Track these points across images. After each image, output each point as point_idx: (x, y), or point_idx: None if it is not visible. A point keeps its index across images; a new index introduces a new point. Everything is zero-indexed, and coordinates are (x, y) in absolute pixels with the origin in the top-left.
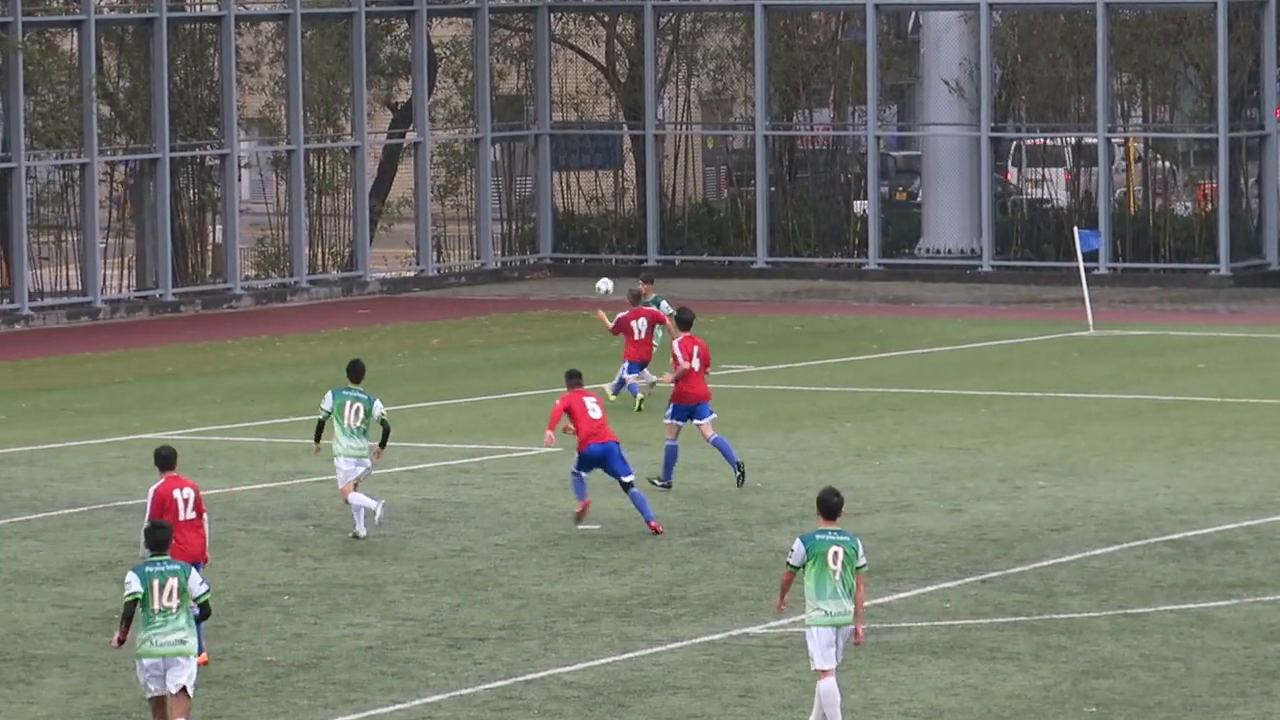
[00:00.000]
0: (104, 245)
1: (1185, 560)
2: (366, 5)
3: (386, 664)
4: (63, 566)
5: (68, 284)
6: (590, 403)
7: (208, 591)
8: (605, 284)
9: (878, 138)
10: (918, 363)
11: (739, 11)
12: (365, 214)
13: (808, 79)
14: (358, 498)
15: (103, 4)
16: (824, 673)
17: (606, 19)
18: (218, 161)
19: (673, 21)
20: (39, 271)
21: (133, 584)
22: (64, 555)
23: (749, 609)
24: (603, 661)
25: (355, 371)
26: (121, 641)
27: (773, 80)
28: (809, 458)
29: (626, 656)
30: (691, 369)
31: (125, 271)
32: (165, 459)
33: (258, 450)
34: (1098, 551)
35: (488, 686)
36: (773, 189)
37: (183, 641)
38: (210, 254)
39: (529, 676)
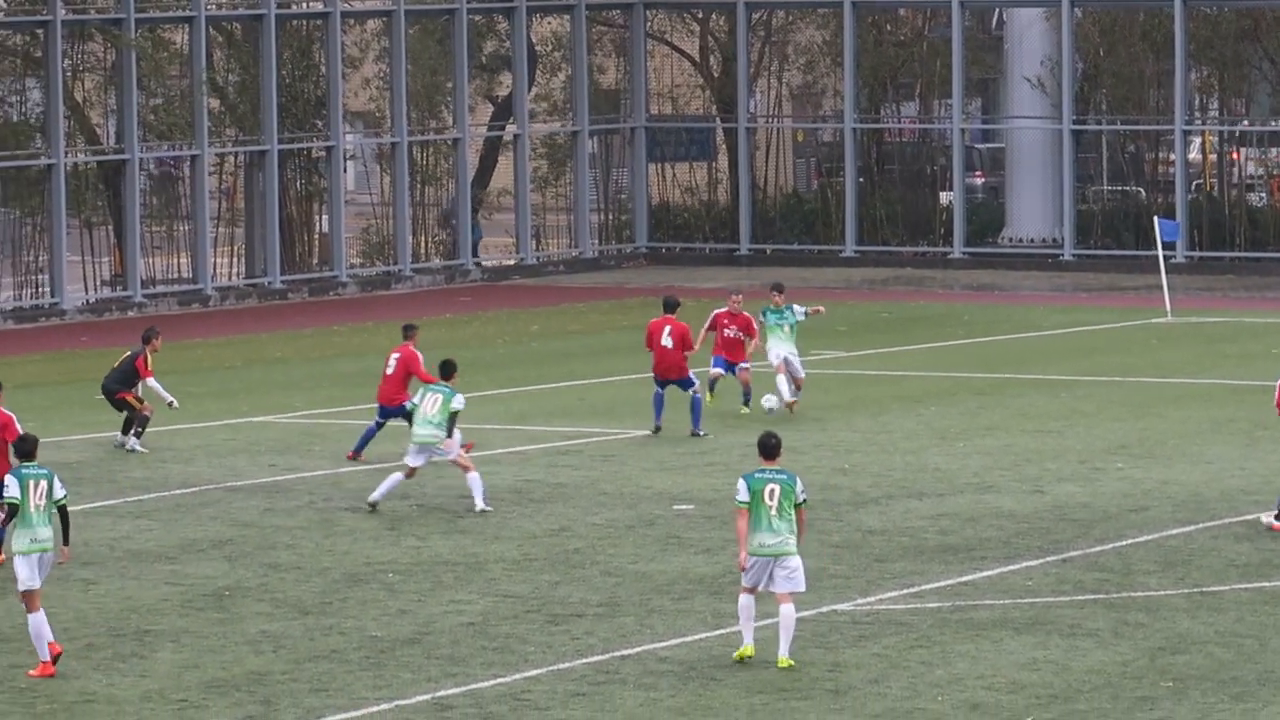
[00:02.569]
0: (214, 234)
1: (1259, 540)
2: (468, 2)
3: (487, 639)
4: (174, 545)
5: (179, 272)
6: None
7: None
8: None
9: (963, 130)
10: (1001, 348)
11: (829, 8)
12: (467, 204)
13: (895, 74)
14: (395, 479)
15: (212, 1)
16: (746, 589)
17: (701, 15)
18: (324, 153)
19: (764, 17)
20: (151, 259)
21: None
22: (175, 534)
23: (837, 586)
24: (696, 637)
25: (446, 369)
26: None
27: (861, 75)
28: (895, 440)
29: (719, 633)
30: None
31: (235, 260)
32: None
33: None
34: (1174, 531)
35: (585, 661)
36: (861, 180)
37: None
38: (317, 243)
39: (625, 652)
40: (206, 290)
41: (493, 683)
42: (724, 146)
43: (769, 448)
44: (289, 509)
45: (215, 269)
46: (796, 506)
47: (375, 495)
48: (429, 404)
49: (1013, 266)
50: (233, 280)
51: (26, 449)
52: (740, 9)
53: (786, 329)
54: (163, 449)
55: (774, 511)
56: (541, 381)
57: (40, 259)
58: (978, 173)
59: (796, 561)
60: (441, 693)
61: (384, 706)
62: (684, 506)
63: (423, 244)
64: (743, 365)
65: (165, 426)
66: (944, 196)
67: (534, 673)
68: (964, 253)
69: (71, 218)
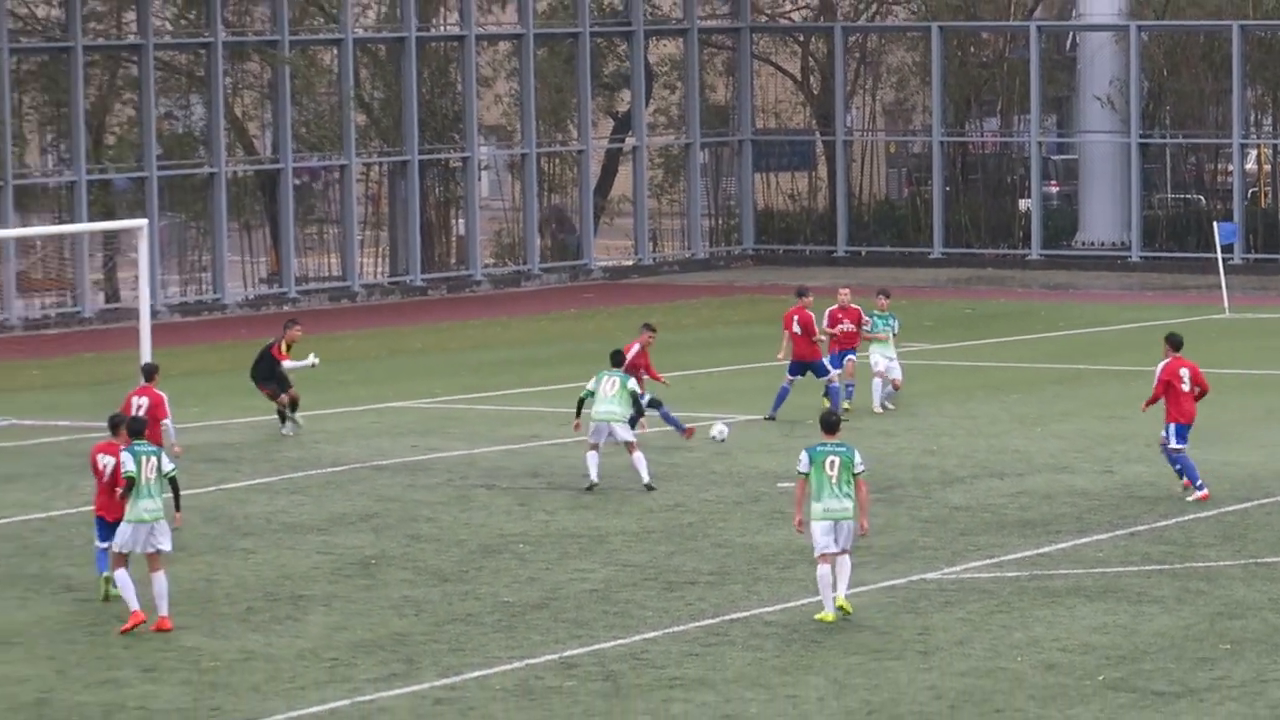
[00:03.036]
0: (361, 237)
1: None
2: (591, 26)
3: (609, 604)
4: (325, 518)
5: (329, 270)
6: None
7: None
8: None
9: (1039, 143)
10: (1074, 342)
11: (918, 31)
12: (590, 210)
13: (978, 91)
14: (593, 457)
15: (359, 24)
16: (822, 557)
17: (802, 38)
18: (460, 164)
19: (860, 40)
20: (304, 259)
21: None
22: (326, 508)
23: (926, 557)
24: (798, 603)
25: (616, 358)
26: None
27: (947, 92)
28: (979, 425)
29: (818, 598)
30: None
31: (379, 260)
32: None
33: (496, 417)
34: (1232, 508)
35: (697, 624)
36: (947, 188)
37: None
38: (454, 244)
39: (734, 616)
40: (354, 287)
41: (614, 643)
42: (823, 157)
43: (830, 424)
44: (429, 485)
45: (362, 268)
46: (855, 476)
47: (593, 476)
48: (607, 386)
49: (1084, 267)
50: (378, 278)
51: (137, 429)
52: (838, 32)
53: (889, 334)
54: (315, 431)
55: (834, 480)
56: (659, 371)
57: (203, 259)
58: (1053, 182)
59: (852, 524)
60: (567, 652)
61: (515, 665)
62: (787, 484)
63: (550, 245)
64: (849, 356)
65: (317, 411)
66: (1022, 203)
67: (651, 634)
68: (1040, 255)
69: (232, 221)
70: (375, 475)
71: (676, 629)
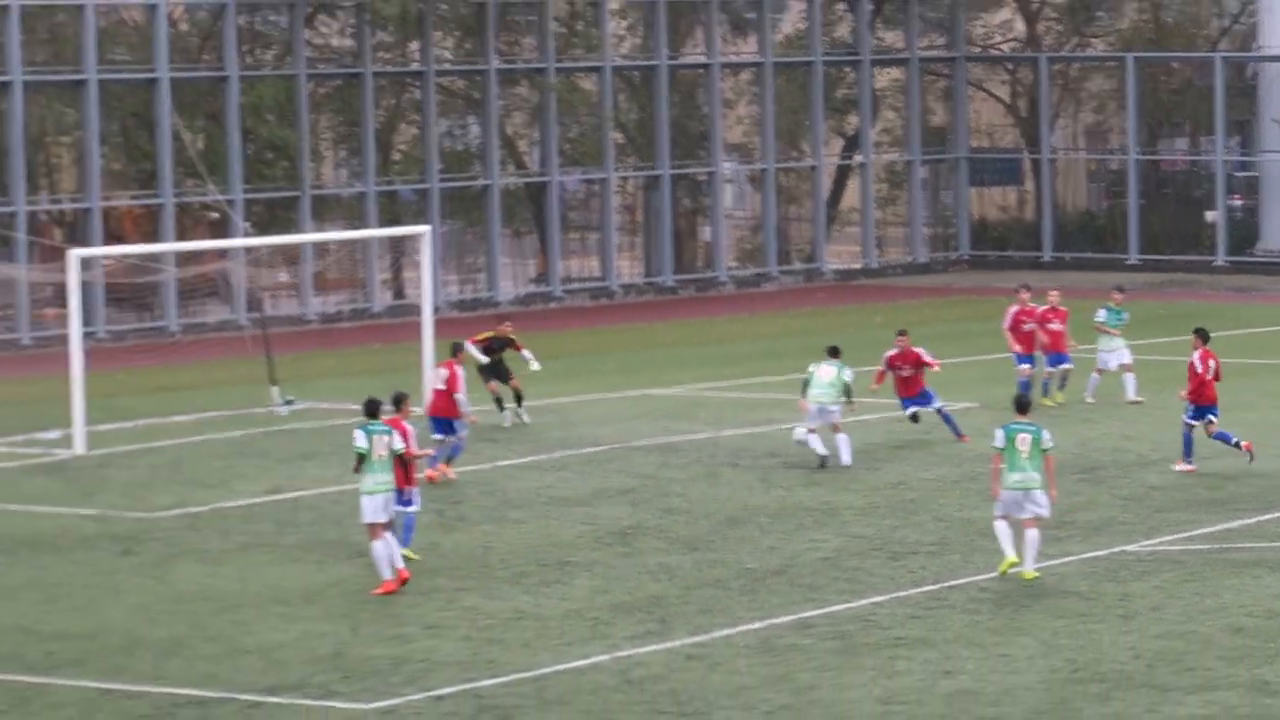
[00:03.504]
0: (619, 242)
1: None
2: (823, 56)
3: (840, 571)
4: (588, 492)
5: (590, 272)
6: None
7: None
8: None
9: (1224, 161)
10: (1257, 339)
11: (1114, 61)
12: (822, 219)
13: (1169, 114)
14: (814, 439)
15: (617, 53)
16: (999, 517)
17: (1011, 67)
18: (706, 177)
19: (1063, 69)
20: (568, 262)
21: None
22: (589, 483)
23: (1126, 531)
24: (1011, 571)
25: (834, 351)
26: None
27: (1141, 115)
28: (1172, 414)
29: (1029, 565)
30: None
31: (635, 263)
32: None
33: (739, 404)
34: None
35: (920, 590)
36: (1141, 201)
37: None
38: (700, 249)
39: (953, 583)
40: (613, 287)
41: (844, 606)
42: (1030, 173)
43: (1023, 405)
44: (680, 464)
45: (619, 270)
46: (1044, 452)
47: (821, 451)
48: (824, 373)
49: (1266, 272)
50: (633, 279)
51: (371, 409)
52: (1043, 62)
53: (1120, 329)
54: (578, 415)
55: (1025, 456)
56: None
57: (479, 261)
58: (1236, 196)
59: (1042, 496)
60: (804, 614)
61: (757, 625)
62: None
63: (787, 251)
64: (1064, 364)
65: (580, 396)
66: (1209, 215)
67: (878, 599)
68: (1225, 261)
69: (504, 228)
70: (632, 454)
71: (901, 594)
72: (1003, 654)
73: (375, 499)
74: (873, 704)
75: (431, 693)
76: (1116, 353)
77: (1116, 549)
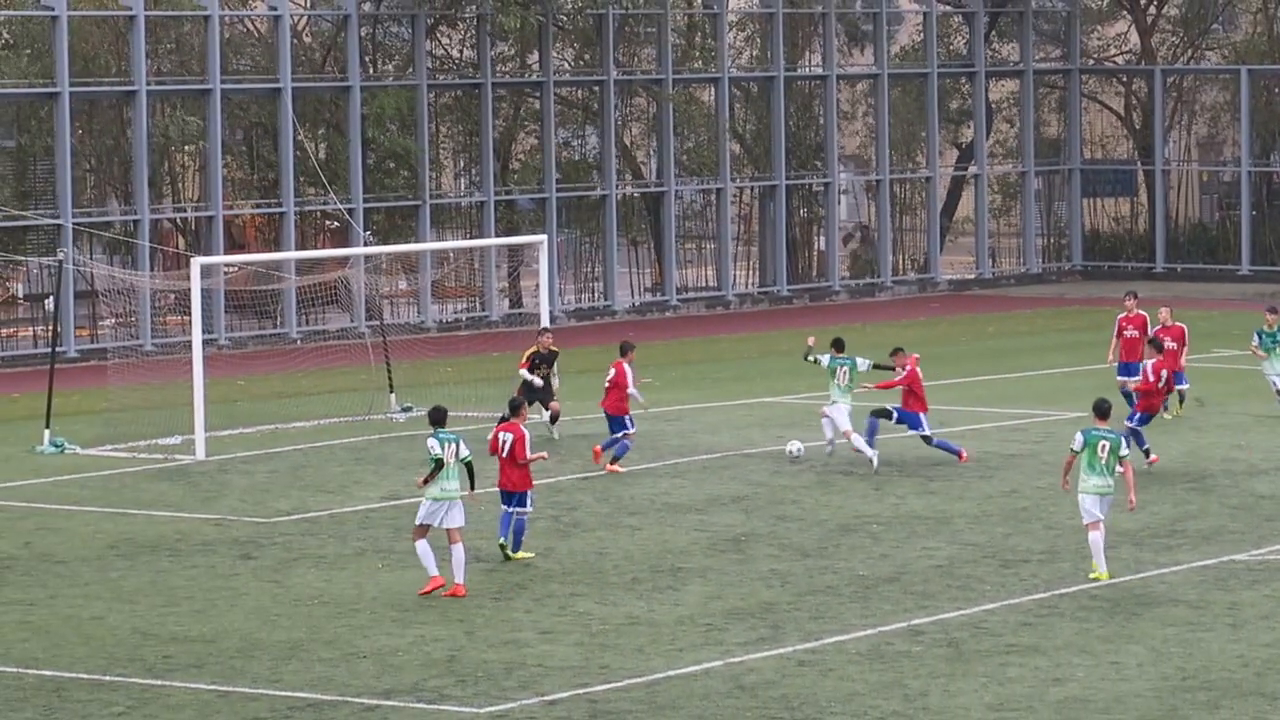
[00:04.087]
0: (734, 252)
1: None
2: (939, 68)
3: (952, 579)
4: (702, 499)
5: (706, 281)
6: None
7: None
8: (795, 448)
9: None
10: None
11: (1228, 74)
12: (936, 229)
13: None
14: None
15: (734, 65)
16: (1091, 525)
17: (1125, 79)
18: (822, 188)
19: (1176, 81)
20: (684, 271)
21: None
22: (703, 490)
23: (1235, 540)
24: (1121, 579)
25: (838, 344)
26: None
27: (1254, 127)
28: None
29: (1139, 576)
30: None
31: (750, 272)
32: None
33: (853, 412)
34: None
35: (1031, 597)
36: (1254, 213)
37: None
38: (815, 259)
39: (1063, 590)
40: (728, 296)
41: (956, 614)
42: (1143, 185)
43: (1102, 411)
44: (793, 471)
45: (735, 279)
46: (1120, 459)
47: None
48: (841, 375)
49: None
50: (748, 288)
51: (438, 417)
52: (1157, 75)
53: (1273, 351)
54: (694, 422)
55: (1104, 460)
56: (996, 372)
57: (596, 270)
58: None
59: (1110, 500)
60: (915, 621)
61: (869, 632)
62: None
63: (901, 261)
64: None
65: (695, 405)
66: None
67: (990, 606)
68: None
69: (621, 237)
70: (746, 462)
71: (1012, 601)
72: (1113, 661)
73: (440, 505)
74: (983, 711)
75: (544, 697)
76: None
77: (1226, 558)
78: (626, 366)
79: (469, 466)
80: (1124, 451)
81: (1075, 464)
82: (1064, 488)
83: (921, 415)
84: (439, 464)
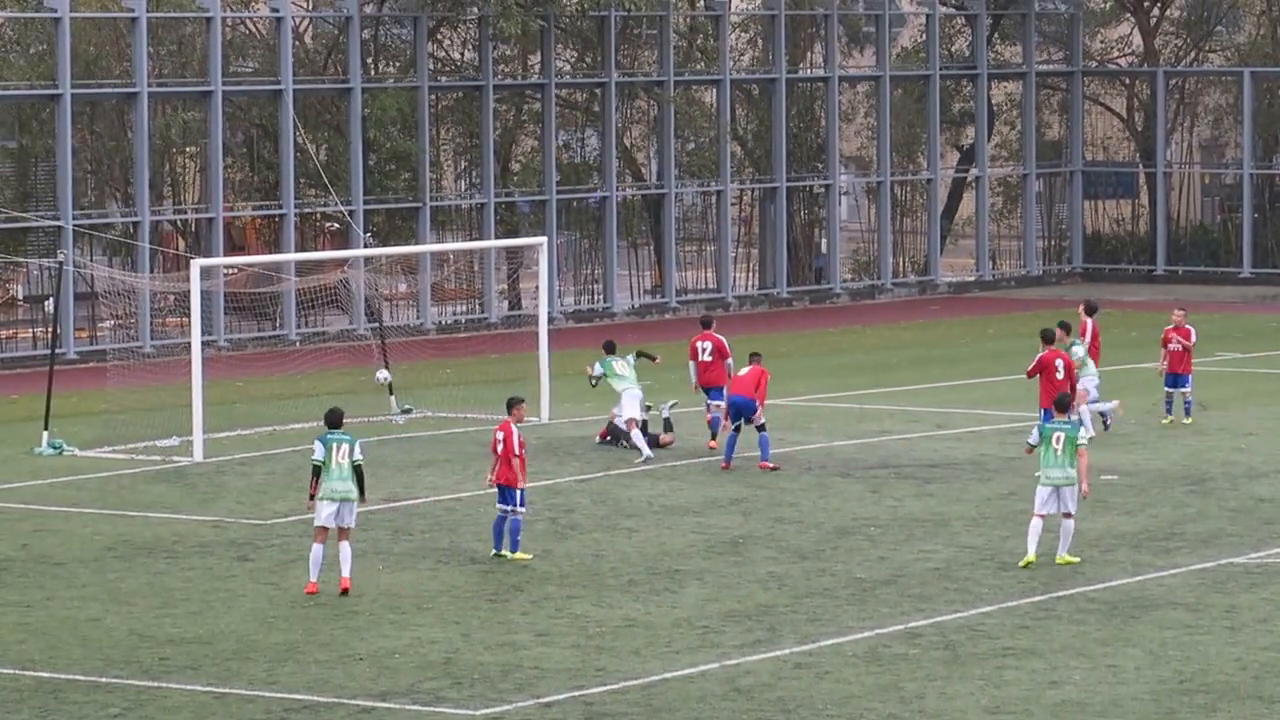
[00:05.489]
0: (734, 254)
1: None
2: (940, 70)
3: (949, 581)
4: (699, 501)
5: (706, 283)
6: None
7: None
8: (383, 375)
9: None
10: None
11: (1231, 76)
12: (937, 231)
13: None
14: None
15: (736, 67)
16: (1038, 515)
17: (1127, 81)
18: (822, 190)
19: (1179, 83)
20: (683, 273)
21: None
22: (701, 493)
23: (1234, 543)
24: (1118, 582)
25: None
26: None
27: (1257, 130)
28: None
29: (1137, 579)
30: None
31: (750, 274)
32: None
33: (852, 414)
34: None
35: (1028, 600)
36: (1256, 215)
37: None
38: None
39: (1060, 593)
40: (728, 298)
41: (953, 616)
42: (1145, 187)
43: (1062, 404)
44: (791, 474)
45: (734, 281)
46: (1078, 448)
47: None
48: (620, 366)
49: None
50: (748, 290)
51: (334, 419)
52: (1159, 77)
53: None
54: (692, 425)
55: (1059, 453)
56: (995, 374)
57: (595, 272)
58: None
59: (1074, 490)
60: (912, 623)
61: (866, 634)
62: (1109, 476)
63: (901, 263)
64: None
65: (691, 407)
66: None
67: (987, 609)
68: None
69: (620, 240)
70: (744, 464)
71: (1009, 604)
72: (1110, 664)
73: (330, 505)
74: (980, 713)
75: (540, 700)
76: None
77: (1224, 560)
78: (721, 337)
79: (358, 470)
80: (1081, 440)
81: (1035, 456)
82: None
83: (758, 405)
84: (316, 470)
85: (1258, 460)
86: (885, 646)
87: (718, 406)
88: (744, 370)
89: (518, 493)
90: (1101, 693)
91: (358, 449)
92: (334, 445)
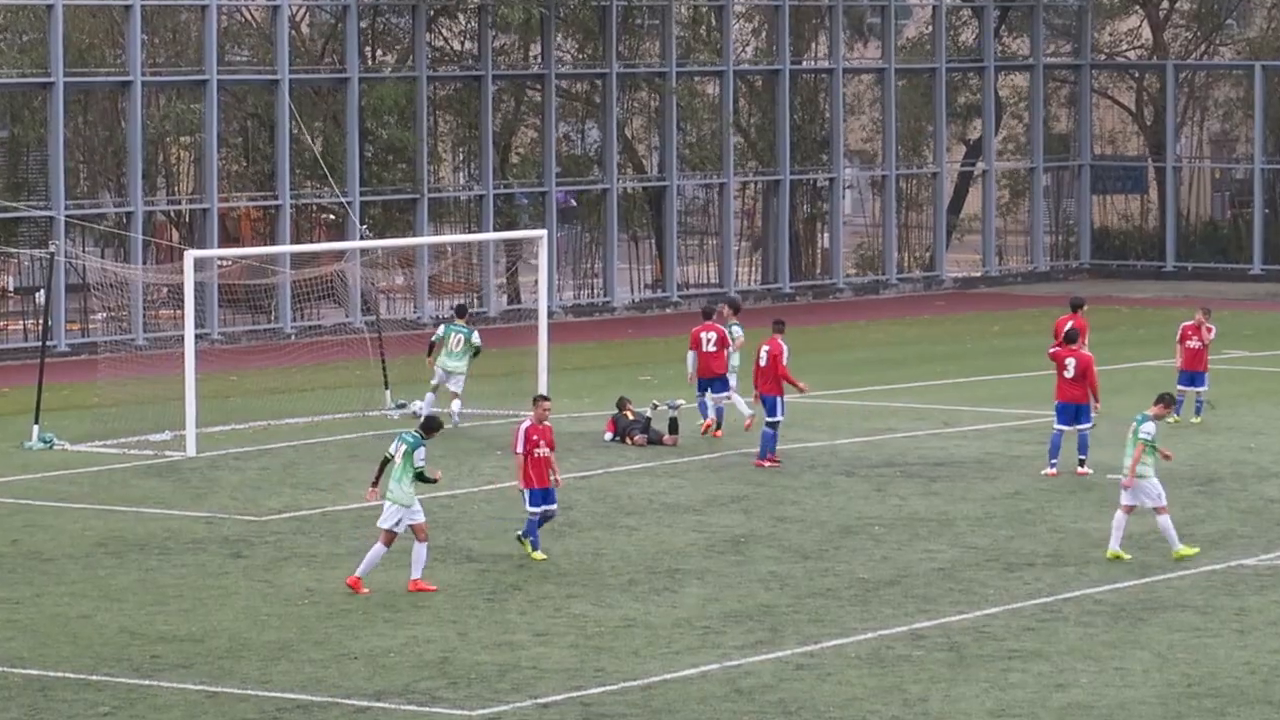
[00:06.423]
0: (737, 248)
1: None
2: (947, 62)
3: (954, 582)
4: (701, 499)
5: (708, 278)
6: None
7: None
8: (419, 405)
9: None
10: None
11: (1242, 69)
12: (943, 226)
13: None
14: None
15: (739, 58)
16: (1126, 507)
17: (1136, 74)
18: (826, 183)
19: (1189, 77)
20: (685, 267)
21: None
22: (702, 490)
23: (1244, 544)
24: (1126, 584)
25: (460, 310)
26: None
27: (1268, 124)
28: None
29: (1144, 580)
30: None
31: (753, 269)
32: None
33: (855, 411)
34: None
35: (1034, 602)
36: (1267, 211)
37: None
38: (819, 256)
39: (1067, 595)
40: (730, 293)
41: (958, 618)
42: (1154, 182)
43: (1166, 400)
44: (794, 472)
45: (737, 276)
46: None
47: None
48: (455, 342)
49: None
50: (751, 285)
51: (430, 426)
52: (1169, 70)
53: None
54: (694, 421)
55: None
56: (1001, 372)
57: (595, 266)
58: None
59: (1149, 484)
60: (916, 625)
61: (869, 635)
62: (1116, 476)
63: (906, 258)
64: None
65: (692, 403)
66: None
67: (993, 610)
68: None
69: (621, 233)
70: (746, 462)
71: (1015, 605)
72: (1118, 667)
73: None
74: (984, 716)
75: (538, 700)
76: None
77: (1234, 562)
78: (725, 331)
79: (420, 476)
80: (1144, 436)
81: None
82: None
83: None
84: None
85: (1267, 460)
86: (889, 648)
87: (719, 399)
88: (762, 359)
89: (554, 491)
90: (1108, 696)
91: (419, 454)
92: (402, 447)
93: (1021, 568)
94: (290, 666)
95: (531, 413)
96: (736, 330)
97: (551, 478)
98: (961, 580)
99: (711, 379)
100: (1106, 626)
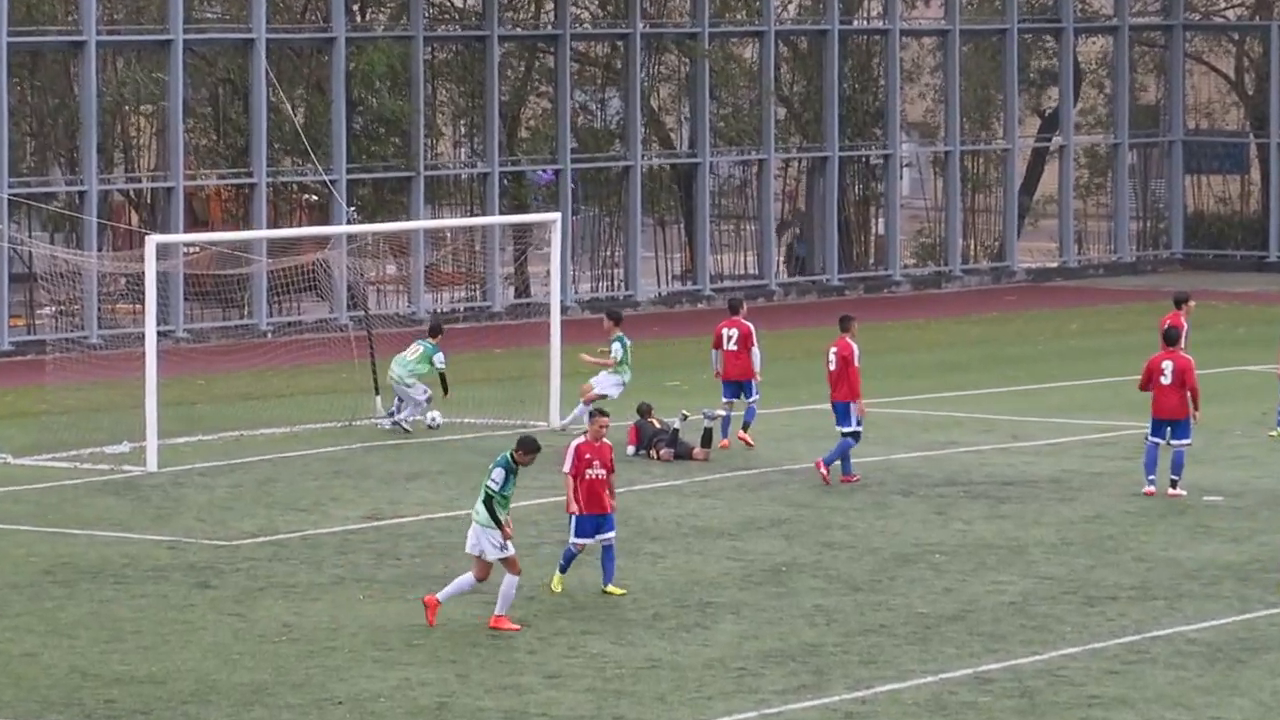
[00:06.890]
0: (779, 235)
1: None
2: (1019, 22)
3: (1026, 618)
4: (736, 522)
5: (745, 268)
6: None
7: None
8: (435, 417)
9: None
10: None
11: None
12: (1014, 210)
13: None
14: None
15: (781, 17)
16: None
17: (1237, 37)
18: (881, 160)
19: None
20: (719, 256)
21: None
22: (737, 512)
23: None
24: (1223, 621)
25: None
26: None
27: None
28: None
29: (1245, 617)
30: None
31: (796, 258)
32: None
33: (913, 421)
34: None
35: (1118, 641)
36: None
37: None
38: (873, 244)
39: (1155, 633)
40: (770, 285)
41: (1031, 659)
42: (1256, 160)
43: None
44: (844, 491)
45: (778, 266)
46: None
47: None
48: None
49: None
50: (794, 277)
51: (528, 444)
52: (1274, 31)
53: None
54: (729, 433)
55: None
56: (1079, 377)
57: (616, 254)
58: None
59: None
60: (983, 667)
61: (929, 679)
62: (1213, 498)
63: (972, 246)
64: None
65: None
66: None
67: (1070, 650)
68: None
69: (646, 217)
70: (787, 479)
71: (1096, 645)
72: (1213, 716)
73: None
74: None
75: None
76: None
77: None
78: (750, 326)
79: (488, 503)
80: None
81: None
82: None
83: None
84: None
85: None
86: (951, 694)
87: (728, 404)
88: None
89: (611, 517)
90: None
91: (493, 476)
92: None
93: (1103, 602)
94: (265, 713)
95: (587, 430)
96: (615, 346)
97: (608, 502)
98: (1034, 616)
99: (731, 383)
100: (1200, 670)
